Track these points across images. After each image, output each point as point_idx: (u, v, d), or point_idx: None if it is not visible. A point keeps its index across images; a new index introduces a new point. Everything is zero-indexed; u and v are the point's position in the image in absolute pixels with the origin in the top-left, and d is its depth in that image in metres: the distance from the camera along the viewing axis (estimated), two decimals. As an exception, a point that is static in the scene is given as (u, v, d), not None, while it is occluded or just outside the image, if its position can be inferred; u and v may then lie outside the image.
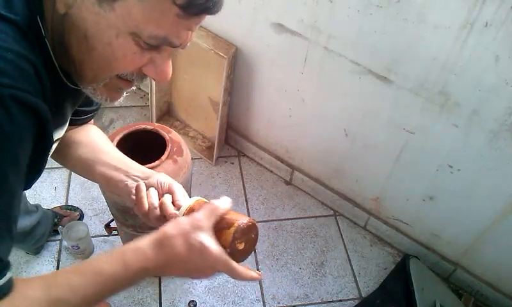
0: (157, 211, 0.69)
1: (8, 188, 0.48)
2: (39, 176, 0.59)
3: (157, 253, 0.58)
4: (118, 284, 0.57)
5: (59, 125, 0.67)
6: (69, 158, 0.82)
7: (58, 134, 0.68)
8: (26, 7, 0.50)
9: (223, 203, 0.63)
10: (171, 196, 0.71)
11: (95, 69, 0.56)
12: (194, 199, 0.70)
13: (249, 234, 0.65)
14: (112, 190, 0.78)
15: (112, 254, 0.58)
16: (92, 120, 0.89)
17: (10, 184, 0.48)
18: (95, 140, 0.83)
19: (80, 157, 0.80)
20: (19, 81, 0.46)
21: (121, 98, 0.65)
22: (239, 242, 0.62)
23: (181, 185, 0.74)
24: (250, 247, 0.66)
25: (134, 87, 0.64)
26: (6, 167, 0.46)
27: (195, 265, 0.58)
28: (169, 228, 0.59)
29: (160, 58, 0.56)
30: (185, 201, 0.70)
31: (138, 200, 0.71)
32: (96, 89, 0.59)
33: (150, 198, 0.70)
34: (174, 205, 0.69)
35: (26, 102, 0.46)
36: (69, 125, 0.78)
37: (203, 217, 0.60)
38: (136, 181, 0.75)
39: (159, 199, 0.71)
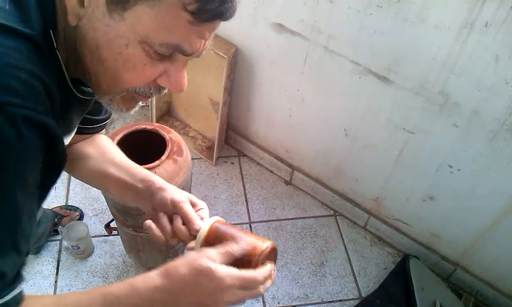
0: (174, 240, 0.71)
1: (16, 204, 0.48)
2: (52, 189, 0.59)
3: (164, 279, 0.57)
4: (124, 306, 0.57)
5: (66, 133, 0.67)
6: (81, 171, 0.82)
7: (66, 141, 0.68)
8: (42, 20, 0.50)
9: (239, 246, 0.61)
10: (179, 217, 0.71)
11: (108, 81, 0.56)
12: (210, 223, 0.68)
13: (269, 258, 0.63)
14: (125, 200, 0.79)
15: (123, 280, 0.59)
16: (103, 130, 0.88)
17: (17, 200, 0.48)
18: (105, 151, 0.83)
19: (91, 169, 0.80)
20: (29, 100, 0.46)
21: (137, 108, 0.65)
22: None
23: (185, 195, 0.74)
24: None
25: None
26: (15, 183, 0.47)
27: (205, 289, 0.56)
28: (178, 260, 0.59)
29: (174, 69, 0.56)
30: (202, 226, 0.68)
31: (153, 238, 0.71)
32: (112, 100, 0.60)
33: (164, 229, 0.71)
34: (185, 225, 0.70)
35: (36, 121, 0.46)
36: (79, 133, 0.79)
37: (214, 253, 0.59)
38: (139, 193, 0.76)
39: (171, 223, 0.71)
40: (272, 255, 0.64)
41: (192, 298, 0.57)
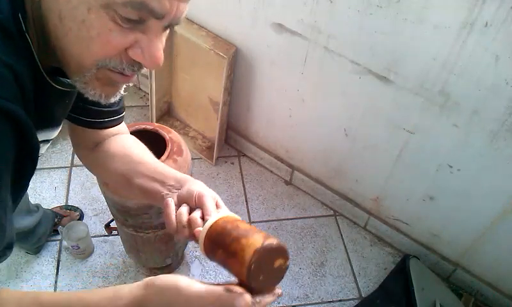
0: (186, 231, 0.65)
1: None
2: (29, 181, 0.57)
3: (143, 290, 0.54)
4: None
5: (48, 127, 0.65)
6: (105, 171, 0.81)
7: (48, 135, 0.66)
8: (9, 3, 0.47)
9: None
10: (200, 210, 0.66)
11: (75, 55, 0.51)
12: (216, 217, 0.63)
13: (271, 259, 0.55)
14: (151, 202, 0.75)
15: (104, 287, 0.57)
16: (124, 127, 0.86)
17: None
18: (131, 151, 0.80)
19: (116, 171, 0.78)
20: None
21: (118, 95, 0.59)
22: (259, 274, 0.53)
23: (213, 193, 0.69)
24: (274, 276, 0.56)
25: (130, 84, 0.59)
26: None
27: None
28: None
29: (146, 39, 0.50)
30: (212, 216, 0.63)
31: (166, 217, 0.67)
32: (87, 84, 0.54)
33: (180, 215, 0.66)
34: (203, 220, 0.64)
35: (3, 109, 0.45)
36: (95, 127, 0.78)
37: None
38: (171, 191, 0.71)
39: (190, 213, 0.67)
40: (276, 256, 0.55)
41: None
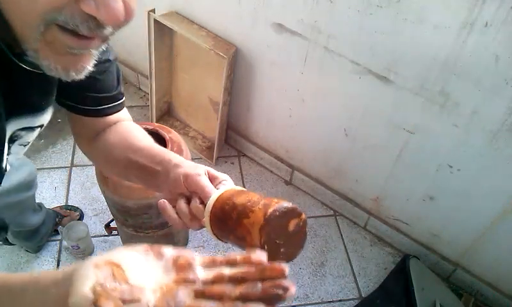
0: (195, 222, 0.61)
1: None
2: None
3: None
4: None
5: (25, 113, 0.61)
6: (106, 162, 0.78)
7: (29, 122, 0.63)
8: None
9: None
10: (197, 196, 0.61)
11: (20, 16, 0.44)
12: (218, 193, 0.58)
13: (281, 228, 0.48)
14: (149, 188, 0.72)
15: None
16: (125, 114, 0.82)
17: None
18: (126, 136, 0.76)
19: (116, 160, 0.75)
20: None
21: (83, 70, 0.50)
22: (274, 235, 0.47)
23: (200, 168, 0.63)
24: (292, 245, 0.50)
25: (95, 54, 0.50)
26: None
27: None
28: None
29: None
30: (209, 200, 0.58)
31: (168, 220, 0.63)
32: (38, 52, 0.46)
33: (181, 212, 0.61)
34: (204, 203, 0.60)
35: None
36: (94, 115, 0.75)
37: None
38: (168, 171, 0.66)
39: (189, 203, 0.62)
40: (286, 220, 0.49)
41: None
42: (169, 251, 0.44)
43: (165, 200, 0.64)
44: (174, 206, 0.63)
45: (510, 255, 1.55)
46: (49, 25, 0.44)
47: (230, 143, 2.15)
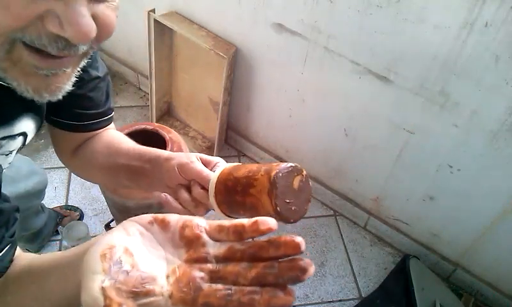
0: (200, 209, 0.61)
1: None
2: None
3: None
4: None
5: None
6: (93, 172, 0.77)
7: (4, 132, 0.58)
8: None
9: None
10: (196, 182, 0.61)
11: None
12: (219, 170, 0.59)
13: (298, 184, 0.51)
14: (141, 188, 0.72)
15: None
16: (111, 124, 0.81)
17: None
18: (110, 142, 0.76)
19: (101, 166, 0.74)
20: None
21: (58, 91, 0.47)
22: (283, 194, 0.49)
23: (190, 156, 0.64)
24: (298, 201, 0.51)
25: (74, 73, 0.48)
26: None
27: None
28: None
29: (62, 5, 0.39)
30: (212, 176, 0.59)
31: (174, 212, 0.62)
32: (5, 71, 0.43)
33: (185, 202, 0.62)
34: (205, 189, 0.60)
35: None
36: (82, 131, 0.74)
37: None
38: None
39: (190, 192, 0.62)
40: (290, 179, 0.51)
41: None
42: (174, 220, 0.42)
43: (166, 194, 0.64)
44: (176, 199, 0.63)
45: (510, 255, 1.55)
46: (14, 44, 0.41)
47: (230, 143, 2.15)
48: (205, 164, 0.64)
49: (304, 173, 0.54)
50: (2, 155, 0.63)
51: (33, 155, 1.95)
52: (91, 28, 0.41)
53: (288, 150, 1.95)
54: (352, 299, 1.70)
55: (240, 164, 0.61)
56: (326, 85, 1.60)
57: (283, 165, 0.52)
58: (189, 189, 0.63)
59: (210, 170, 0.63)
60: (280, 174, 0.50)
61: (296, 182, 0.53)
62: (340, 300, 1.68)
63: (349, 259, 1.82)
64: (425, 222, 1.71)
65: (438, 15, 1.21)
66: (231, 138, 2.12)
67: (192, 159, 0.63)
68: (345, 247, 1.86)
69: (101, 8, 0.43)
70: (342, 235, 1.90)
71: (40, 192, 1.39)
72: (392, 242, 1.88)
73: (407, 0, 1.24)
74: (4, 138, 0.60)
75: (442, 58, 1.28)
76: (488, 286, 1.68)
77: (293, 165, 0.53)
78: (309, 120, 1.76)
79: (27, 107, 0.60)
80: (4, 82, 0.47)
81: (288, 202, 0.50)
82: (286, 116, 1.81)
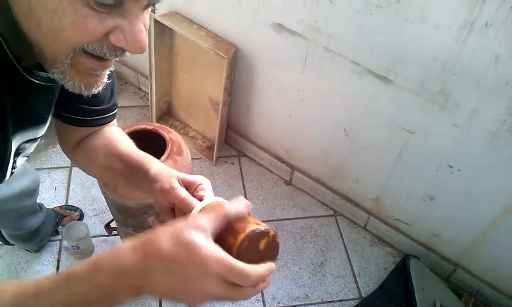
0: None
1: None
2: (4, 177, 0.54)
3: (135, 251, 0.46)
4: (86, 287, 0.45)
5: (31, 125, 0.63)
6: (92, 167, 0.79)
7: (33, 134, 0.64)
8: None
9: (238, 206, 0.53)
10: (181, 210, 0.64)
11: (51, 47, 0.48)
12: (201, 205, 0.61)
13: (264, 246, 0.54)
14: (138, 191, 0.74)
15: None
16: (114, 121, 0.83)
17: None
18: (110, 141, 0.78)
19: (99, 163, 0.77)
20: None
21: (101, 85, 0.55)
22: (247, 254, 0.51)
23: (176, 181, 0.66)
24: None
25: (112, 68, 0.55)
26: None
27: (181, 268, 0.44)
28: (159, 228, 0.48)
29: (127, 23, 0.47)
30: (194, 208, 0.61)
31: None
32: (64, 73, 0.50)
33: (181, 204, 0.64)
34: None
35: None
36: (85, 126, 0.76)
37: (205, 220, 0.48)
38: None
39: (175, 216, 0.65)
40: (268, 243, 0.55)
41: (165, 279, 0.44)
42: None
43: (152, 217, 0.67)
44: (164, 218, 0.67)
45: (510, 255, 1.55)
46: (75, 51, 0.48)
47: (230, 143, 2.15)
48: (187, 185, 0.66)
49: (271, 233, 0.56)
50: (25, 157, 0.66)
51: (33, 155, 1.95)
52: (146, 40, 0.49)
53: (288, 150, 1.95)
54: (352, 299, 1.70)
55: (220, 201, 0.61)
56: (326, 85, 1.60)
57: (249, 231, 0.53)
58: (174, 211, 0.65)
59: (194, 191, 0.65)
60: (245, 244, 0.52)
61: (262, 244, 0.55)
62: (340, 300, 1.68)
63: (349, 259, 1.82)
64: (425, 222, 1.71)
65: (438, 14, 1.21)
66: (231, 138, 2.12)
67: (175, 184, 0.64)
68: (345, 247, 1.86)
69: (145, 16, 0.50)
70: (342, 235, 1.90)
71: (33, 191, 1.40)
72: (392, 242, 1.88)
73: (407, 0, 1.24)
74: (28, 141, 0.64)
75: (442, 58, 1.28)
76: (487, 286, 1.68)
77: (260, 230, 0.54)
78: (309, 120, 1.76)
79: (52, 110, 0.68)
80: (42, 82, 0.54)
81: (253, 259, 0.52)
82: (286, 116, 1.82)
